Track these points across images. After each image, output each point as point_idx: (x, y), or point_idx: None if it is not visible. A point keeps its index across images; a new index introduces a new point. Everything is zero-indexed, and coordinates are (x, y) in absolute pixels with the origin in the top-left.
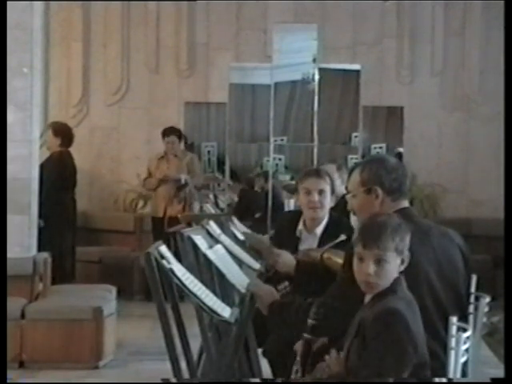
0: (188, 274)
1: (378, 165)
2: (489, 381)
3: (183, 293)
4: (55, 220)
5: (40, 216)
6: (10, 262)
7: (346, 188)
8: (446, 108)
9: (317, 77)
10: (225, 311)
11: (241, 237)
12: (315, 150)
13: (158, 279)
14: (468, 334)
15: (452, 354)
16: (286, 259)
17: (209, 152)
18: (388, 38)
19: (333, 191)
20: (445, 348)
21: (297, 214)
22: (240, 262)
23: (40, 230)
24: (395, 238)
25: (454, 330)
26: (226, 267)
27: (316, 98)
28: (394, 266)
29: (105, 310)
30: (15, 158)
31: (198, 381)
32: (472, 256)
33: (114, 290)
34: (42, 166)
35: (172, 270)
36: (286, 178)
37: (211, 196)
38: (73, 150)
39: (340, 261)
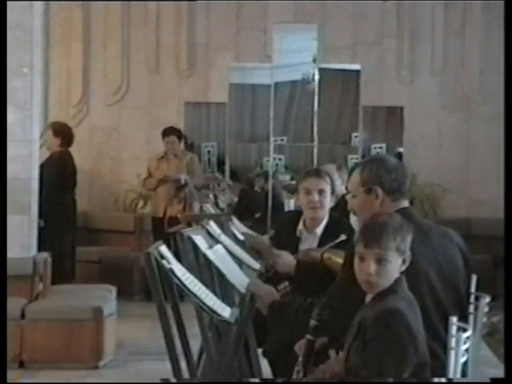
0: (188, 274)
1: (378, 165)
2: (489, 381)
3: (183, 293)
4: (55, 220)
5: (40, 216)
6: (10, 262)
7: (346, 188)
8: (446, 108)
9: (317, 77)
10: (225, 311)
11: (241, 237)
12: (315, 150)
13: (158, 279)
14: (468, 334)
15: (452, 354)
16: (286, 259)
17: (209, 152)
18: (388, 38)
19: (333, 191)
20: (445, 348)
21: (297, 214)
22: (240, 262)
23: (40, 230)
24: (397, 238)
25: (454, 330)
26: (225, 267)
27: (316, 97)
28: (395, 265)
29: (105, 310)
30: (15, 158)
31: (198, 381)
32: (472, 256)
33: (114, 290)
34: (42, 166)
35: (172, 270)
36: (286, 178)
37: (211, 196)
38: (73, 150)
39: (340, 261)
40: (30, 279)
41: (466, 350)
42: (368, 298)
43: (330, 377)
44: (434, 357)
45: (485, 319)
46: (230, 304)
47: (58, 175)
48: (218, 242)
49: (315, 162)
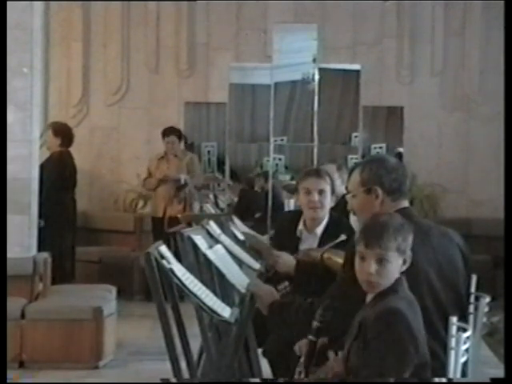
0: (188, 274)
1: (378, 165)
2: (489, 381)
3: (183, 293)
4: (55, 220)
5: (40, 216)
6: (10, 262)
7: (346, 188)
8: (446, 108)
9: (317, 77)
10: (225, 311)
11: (241, 237)
12: (315, 150)
13: (158, 279)
14: (468, 334)
15: (452, 354)
16: (286, 259)
17: (209, 152)
18: (388, 38)
19: (333, 191)
20: (445, 348)
21: (297, 213)
22: (240, 262)
23: (40, 230)
24: (397, 238)
25: (453, 330)
26: (225, 267)
27: (316, 97)
28: (396, 265)
29: (105, 310)
30: (15, 158)
31: (198, 381)
32: (472, 256)
33: (114, 290)
34: (42, 166)
35: (172, 270)
36: (286, 178)
37: (211, 196)
38: (73, 149)
39: (340, 261)
40: (30, 279)
41: (466, 350)
42: (368, 297)
43: (331, 377)
44: (434, 357)
45: (485, 319)
46: (230, 304)
47: (58, 175)
48: (218, 241)
49: (315, 161)
